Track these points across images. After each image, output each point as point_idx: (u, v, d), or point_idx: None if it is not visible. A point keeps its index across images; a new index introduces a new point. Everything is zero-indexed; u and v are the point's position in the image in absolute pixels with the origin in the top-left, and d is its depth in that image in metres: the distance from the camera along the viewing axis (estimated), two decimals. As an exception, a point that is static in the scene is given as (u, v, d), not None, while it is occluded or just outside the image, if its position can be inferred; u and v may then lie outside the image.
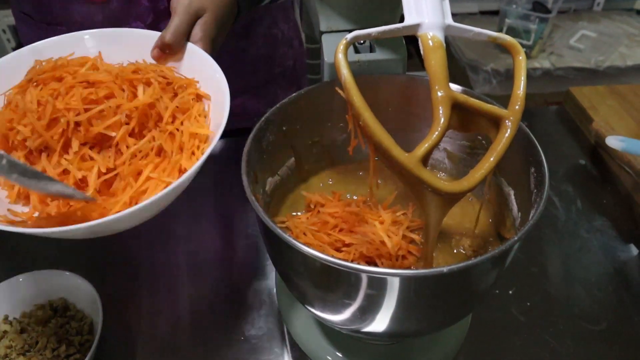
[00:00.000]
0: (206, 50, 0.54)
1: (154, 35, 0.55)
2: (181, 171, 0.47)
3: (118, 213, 0.40)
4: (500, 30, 1.84)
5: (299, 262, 0.44)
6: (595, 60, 1.81)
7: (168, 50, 0.54)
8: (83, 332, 0.59)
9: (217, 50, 0.57)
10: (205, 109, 0.52)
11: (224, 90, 0.50)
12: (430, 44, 0.43)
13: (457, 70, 1.90)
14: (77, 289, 0.61)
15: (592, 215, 0.77)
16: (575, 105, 0.94)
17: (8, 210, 0.46)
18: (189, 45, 0.54)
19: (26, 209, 0.48)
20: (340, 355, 0.59)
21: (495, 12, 1.99)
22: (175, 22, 0.53)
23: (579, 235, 0.74)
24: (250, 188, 0.45)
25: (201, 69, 0.53)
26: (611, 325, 0.63)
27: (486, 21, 2.01)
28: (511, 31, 1.81)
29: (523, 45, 1.80)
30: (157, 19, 0.72)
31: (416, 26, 0.44)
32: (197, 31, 0.55)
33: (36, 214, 0.46)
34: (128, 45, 0.56)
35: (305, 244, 0.40)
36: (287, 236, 0.40)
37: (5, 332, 0.60)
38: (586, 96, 0.93)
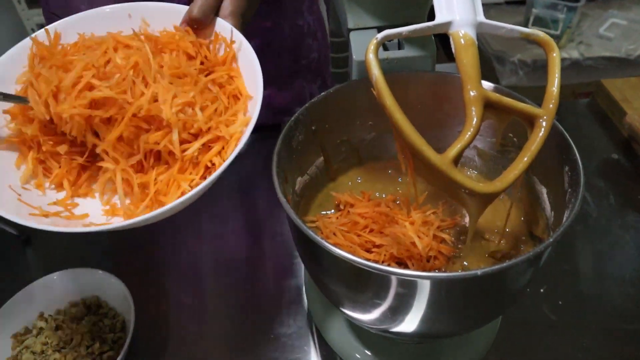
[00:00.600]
0: (236, 26, 0.51)
1: (182, 10, 0.51)
2: (208, 168, 0.46)
3: (146, 215, 0.40)
4: (527, 20, 1.80)
5: (329, 263, 0.44)
6: (626, 49, 1.76)
7: (196, 26, 0.51)
8: (116, 330, 0.61)
9: (247, 26, 0.54)
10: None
11: (256, 69, 0.47)
12: (462, 42, 0.43)
13: (483, 61, 1.84)
14: (109, 287, 0.62)
15: (625, 211, 0.75)
16: (607, 97, 0.91)
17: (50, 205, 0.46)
18: (219, 20, 0.51)
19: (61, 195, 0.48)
20: (370, 353, 0.59)
21: (521, 2, 1.95)
22: None
23: (611, 232, 0.73)
24: (280, 189, 0.45)
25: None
26: (646, 324, 0.62)
27: (512, 11, 1.97)
28: (538, 21, 1.77)
29: (551, 36, 1.76)
30: None
31: (447, 24, 0.43)
32: (226, 4, 0.51)
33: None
34: (155, 21, 0.53)
35: (335, 245, 0.40)
36: (318, 238, 0.40)
37: (41, 328, 0.61)
38: (618, 88, 0.91)
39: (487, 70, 1.83)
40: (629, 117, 0.83)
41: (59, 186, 0.49)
